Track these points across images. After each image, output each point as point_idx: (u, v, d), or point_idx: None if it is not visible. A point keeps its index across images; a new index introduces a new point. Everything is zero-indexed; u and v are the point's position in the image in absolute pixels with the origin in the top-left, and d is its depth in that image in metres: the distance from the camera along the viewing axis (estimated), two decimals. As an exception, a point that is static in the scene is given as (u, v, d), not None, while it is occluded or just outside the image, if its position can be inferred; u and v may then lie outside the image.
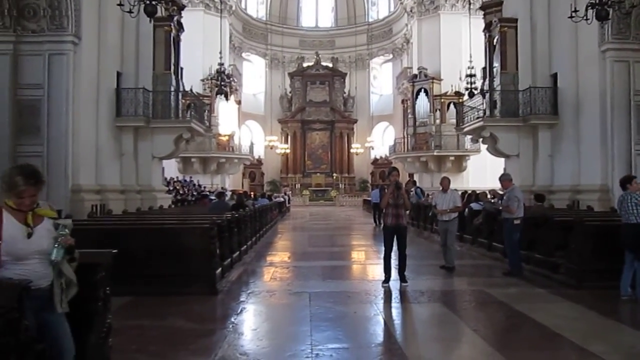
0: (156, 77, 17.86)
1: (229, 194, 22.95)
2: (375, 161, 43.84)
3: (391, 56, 44.60)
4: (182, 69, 19.63)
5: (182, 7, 19.52)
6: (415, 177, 33.90)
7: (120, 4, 12.53)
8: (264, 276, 9.37)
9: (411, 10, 36.30)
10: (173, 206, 20.13)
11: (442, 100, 32.79)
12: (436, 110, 33.01)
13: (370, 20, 45.77)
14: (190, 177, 29.07)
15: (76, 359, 3.26)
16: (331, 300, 6.97)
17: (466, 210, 12.96)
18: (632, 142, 14.17)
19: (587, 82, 15.12)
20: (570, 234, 8.04)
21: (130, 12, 11.95)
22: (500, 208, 9.62)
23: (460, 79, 28.02)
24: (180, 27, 19.08)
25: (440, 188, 9.98)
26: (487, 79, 19.45)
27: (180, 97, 19.06)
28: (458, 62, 29.71)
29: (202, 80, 32.45)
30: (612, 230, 7.47)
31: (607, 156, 14.36)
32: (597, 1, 11.79)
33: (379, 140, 44.65)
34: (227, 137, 32.64)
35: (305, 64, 44.57)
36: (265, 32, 44.86)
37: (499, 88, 18.34)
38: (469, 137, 24.79)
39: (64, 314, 3.19)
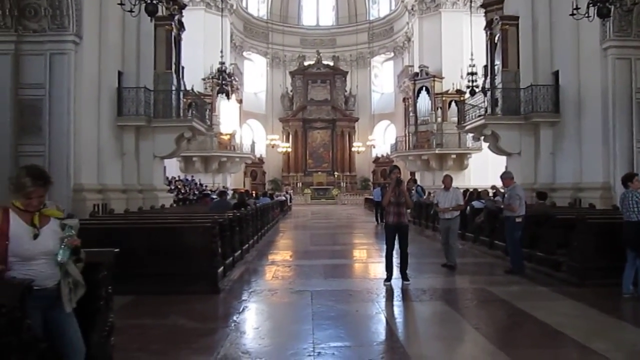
0: (157, 76, 17.88)
1: (230, 193, 22.95)
2: (376, 160, 43.82)
3: (392, 54, 44.56)
4: (183, 68, 19.64)
5: (183, 6, 19.53)
6: (417, 176, 33.95)
7: (121, 4, 12.53)
8: (266, 275, 9.38)
9: (412, 9, 36.26)
10: (175, 205, 20.14)
11: (444, 98, 32.78)
12: (437, 109, 33.00)
13: (372, 18, 45.72)
14: (192, 176, 29.07)
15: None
16: (333, 299, 6.97)
17: (468, 208, 12.95)
18: (634, 139, 14.13)
19: (589, 79, 15.09)
20: (572, 232, 8.04)
21: (131, 11, 11.95)
22: (502, 207, 9.61)
23: (462, 77, 27.99)
24: (181, 26, 19.08)
25: (443, 186, 9.96)
26: (489, 77, 19.42)
27: (181, 96, 19.08)
28: (459, 60, 29.67)
29: (204, 79, 32.48)
30: (614, 228, 7.46)
31: (608, 154, 14.32)
32: (598, -2, 11.76)
33: (380, 139, 44.60)
34: (228, 136, 32.62)
35: (306, 63, 44.54)
36: (266, 30, 44.84)
37: (500, 86, 18.32)
38: (470, 135, 24.77)
39: (73, 314, 3.19)
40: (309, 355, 4.72)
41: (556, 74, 16.90)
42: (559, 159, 16.72)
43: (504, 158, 19.79)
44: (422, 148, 33.45)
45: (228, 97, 29.79)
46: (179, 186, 24.93)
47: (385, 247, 8.32)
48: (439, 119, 32.84)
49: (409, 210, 8.95)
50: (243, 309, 6.59)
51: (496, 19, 18.65)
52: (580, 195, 15.05)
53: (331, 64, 44.72)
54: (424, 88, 33.67)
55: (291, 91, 44.49)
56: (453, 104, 31.27)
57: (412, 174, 34.39)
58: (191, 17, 25.14)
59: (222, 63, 26.63)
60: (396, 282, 7.98)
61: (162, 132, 17.85)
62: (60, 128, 14.01)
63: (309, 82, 43.71)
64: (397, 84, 41.46)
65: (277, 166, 44.05)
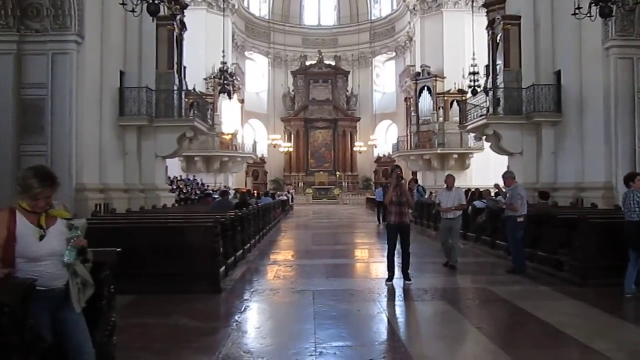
0: (159, 76, 17.90)
1: (232, 192, 22.98)
2: (378, 159, 43.81)
3: (394, 54, 44.54)
4: (185, 68, 19.66)
5: (185, 6, 19.56)
6: (419, 176, 33.95)
7: (123, 4, 12.53)
8: (268, 275, 9.38)
9: (414, 8, 36.25)
10: (177, 205, 20.15)
11: (446, 98, 32.78)
12: (439, 109, 32.98)
13: (373, 18, 45.71)
14: (194, 176, 29.13)
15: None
16: (335, 299, 6.97)
17: (470, 208, 12.95)
18: (636, 139, 14.10)
19: (591, 79, 15.07)
20: (574, 232, 8.03)
21: (133, 11, 11.96)
22: (504, 207, 9.60)
23: (464, 76, 28.01)
24: (183, 26, 19.10)
25: (445, 186, 9.95)
26: (491, 77, 19.41)
27: (183, 96, 19.10)
28: (461, 60, 29.67)
29: (205, 79, 32.51)
30: (617, 227, 7.45)
31: (611, 154, 14.30)
32: (600, -2, 11.74)
33: (382, 139, 44.60)
34: (230, 136, 32.67)
35: (308, 63, 44.55)
36: (268, 30, 44.85)
37: (502, 86, 18.31)
38: (472, 135, 24.74)
39: (82, 315, 3.18)
40: (311, 355, 4.72)
41: (558, 74, 16.88)
42: (561, 158, 16.71)
43: (506, 158, 19.77)
44: (424, 148, 33.45)
45: (230, 97, 29.82)
46: (181, 186, 24.98)
47: (387, 247, 8.32)
48: (441, 119, 32.82)
49: (410, 211, 8.94)
50: (245, 309, 6.59)
51: (498, 18, 18.64)
52: (583, 195, 15.04)
53: (333, 63, 44.73)
54: (426, 88, 33.66)
55: (293, 91, 44.49)
56: (455, 103, 31.23)
57: (414, 174, 34.38)
58: (193, 17, 25.17)
59: (224, 63, 26.68)
60: (398, 282, 7.98)
61: (164, 132, 17.87)
62: (63, 128, 14.03)
63: (310, 82, 43.72)
64: (399, 83, 41.45)
65: (279, 166, 44.07)
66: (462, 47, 30.19)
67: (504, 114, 18.02)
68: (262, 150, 42.14)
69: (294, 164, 43.66)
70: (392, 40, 43.73)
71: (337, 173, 43.42)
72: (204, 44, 31.61)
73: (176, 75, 18.39)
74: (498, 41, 18.71)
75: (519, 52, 17.98)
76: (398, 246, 8.18)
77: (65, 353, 3.17)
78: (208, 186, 28.53)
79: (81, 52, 14.36)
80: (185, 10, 19.46)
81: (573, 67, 15.82)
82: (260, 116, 44.30)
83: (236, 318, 6.13)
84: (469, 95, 25.50)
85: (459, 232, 10.13)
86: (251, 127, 42.59)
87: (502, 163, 20.83)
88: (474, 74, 24.68)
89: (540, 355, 4.81)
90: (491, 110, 18.72)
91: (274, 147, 41.91)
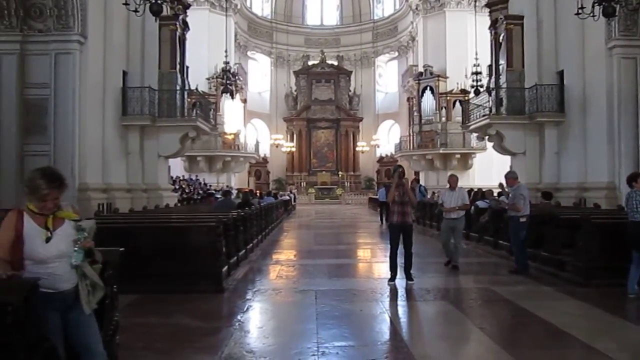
0: (162, 75, 17.92)
1: (234, 192, 23.00)
2: (380, 159, 43.79)
3: (397, 54, 44.49)
4: (187, 67, 19.67)
5: (187, 6, 19.57)
6: (421, 175, 33.91)
7: (126, 3, 12.53)
8: (270, 274, 9.38)
9: (416, 8, 36.21)
10: (179, 205, 20.17)
11: (448, 98, 32.73)
12: (442, 108, 32.94)
13: (376, 18, 45.67)
14: (196, 176, 29.16)
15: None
16: (337, 298, 6.97)
17: (472, 208, 12.93)
18: (639, 139, 14.08)
19: (594, 79, 15.05)
20: (577, 232, 8.01)
21: (135, 11, 11.97)
22: (506, 207, 9.59)
23: (466, 76, 27.98)
24: (185, 26, 19.12)
25: (448, 186, 9.94)
26: (493, 77, 19.39)
27: (185, 95, 19.12)
28: (464, 60, 29.63)
29: (208, 78, 32.51)
30: (619, 228, 7.43)
31: (614, 153, 14.28)
32: (603, -3, 11.72)
33: (384, 138, 44.58)
34: (232, 136, 32.68)
35: (310, 62, 44.51)
36: (270, 30, 44.86)
37: (505, 85, 18.29)
38: (475, 134, 24.71)
39: (93, 316, 3.16)
40: (313, 355, 4.72)
41: (561, 74, 16.85)
42: (564, 158, 16.68)
43: (508, 158, 19.76)
44: (427, 148, 33.40)
45: (232, 96, 29.84)
46: (184, 185, 25.01)
47: (389, 246, 8.32)
48: (443, 119, 32.78)
49: (412, 210, 8.93)
50: (247, 308, 6.60)
51: (501, 18, 18.62)
52: (585, 195, 15.01)
53: (335, 63, 44.69)
54: (428, 87, 33.61)
55: (295, 91, 44.49)
56: (457, 103, 31.18)
57: (417, 173, 34.35)
58: (195, 16, 25.16)
59: (226, 63, 26.71)
60: (400, 281, 7.97)
61: (166, 132, 17.90)
62: (65, 127, 14.07)
63: (313, 82, 43.71)
64: (401, 83, 41.42)
65: (281, 166, 44.08)
66: (465, 47, 30.15)
67: (507, 114, 18.00)
68: (265, 150, 42.15)
69: (296, 164, 43.66)
70: (395, 39, 43.69)
71: (340, 173, 43.42)
72: (207, 44, 31.62)
73: (179, 75, 18.41)
74: (500, 41, 18.68)
75: (521, 51, 17.96)
76: (400, 246, 8.18)
77: (77, 354, 3.16)
78: (210, 186, 28.56)
79: (84, 52, 14.40)
80: (187, 10, 19.47)
81: (576, 66, 15.80)
82: (263, 116, 44.31)
83: (238, 317, 6.14)
84: (472, 95, 25.49)
85: (462, 232, 10.12)
86: (253, 127, 42.62)
87: (504, 163, 20.79)
88: (477, 73, 24.63)
89: (543, 356, 4.81)
90: (494, 110, 18.69)
91: (276, 146, 41.93)
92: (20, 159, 13.82)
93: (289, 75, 44.91)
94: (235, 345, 5.02)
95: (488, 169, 28.81)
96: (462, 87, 31.18)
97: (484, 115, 19.14)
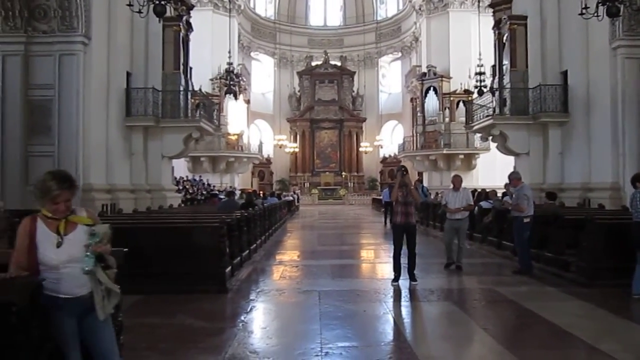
0: (165, 76, 17.96)
1: (238, 193, 23.00)
2: (384, 160, 43.75)
3: (400, 54, 44.47)
4: (191, 68, 19.71)
5: (191, 7, 19.60)
6: (425, 176, 33.87)
7: (129, 4, 12.60)
8: (274, 275, 9.39)
9: (420, 8, 36.17)
10: (183, 205, 20.21)
11: (452, 98, 32.68)
12: (445, 109, 32.89)
13: (379, 18, 45.65)
14: (200, 176, 29.16)
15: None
16: (341, 299, 6.97)
17: (476, 208, 12.91)
18: (644, 139, 14.05)
19: (598, 79, 15.00)
20: (581, 232, 8.00)
21: (139, 12, 12.01)
22: (510, 208, 9.57)
23: (470, 77, 27.88)
24: (189, 27, 19.15)
25: (451, 186, 9.91)
26: (497, 77, 19.35)
27: (189, 96, 19.14)
28: (467, 60, 29.56)
29: (211, 79, 32.55)
30: (624, 228, 7.41)
31: (618, 154, 14.23)
32: (607, -3, 11.69)
33: (388, 139, 44.54)
34: (236, 137, 32.69)
35: (313, 63, 44.52)
36: (273, 31, 44.88)
37: (508, 86, 18.26)
38: (478, 135, 24.68)
39: (109, 321, 3.13)
40: (317, 355, 4.72)
41: (565, 74, 16.82)
42: (568, 159, 16.64)
43: (512, 158, 19.72)
44: (430, 148, 33.37)
45: (236, 97, 29.86)
46: (187, 186, 25.01)
47: (392, 247, 8.32)
48: (447, 119, 32.73)
49: (415, 211, 8.92)
50: (251, 309, 6.60)
51: (504, 18, 18.59)
52: (589, 196, 14.97)
53: (339, 64, 44.66)
54: (431, 88, 33.57)
55: (299, 91, 44.50)
56: (461, 104, 31.18)
57: (420, 174, 34.30)
58: (199, 17, 25.21)
59: (229, 63, 26.68)
60: (404, 282, 7.97)
61: (170, 133, 17.93)
62: (70, 128, 14.12)
63: (316, 83, 43.71)
64: (405, 84, 41.38)
65: (284, 166, 44.09)
66: (468, 47, 30.08)
67: (510, 114, 17.97)
68: (268, 151, 42.17)
69: (300, 164, 43.67)
70: (398, 40, 43.66)
71: (343, 173, 43.38)
72: (210, 45, 31.64)
73: (182, 76, 18.44)
74: (504, 41, 18.65)
75: (525, 52, 17.92)
76: (404, 246, 8.17)
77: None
78: (214, 186, 28.57)
79: (88, 53, 14.45)
80: (191, 11, 19.50)
81: (580, 67, 15.77)
82: (266, 116, 44.34)
83: (242, 318, 6.14)
84: (475, 95, 25.43)
85: (466, 232, 10.10)
86: (257, 128, 42.64)
87: (508, 163, 20.76)
88: (480, 74, 24.58)
89: (547, 356, 4.80)
90: (497, 111, 18.67)
91: (280, 147, 41.93)
92: (25, 159, 13.88)
93: (293, 76, 44.92)
94: (239, 345, 5.03)
95: (491, 170, 28.77)
96: (466, 88, 31.12)
97: (487, 116, 19.11)
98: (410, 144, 35.68)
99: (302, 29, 46.42)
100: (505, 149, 18.77)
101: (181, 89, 18.27)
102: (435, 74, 33.27)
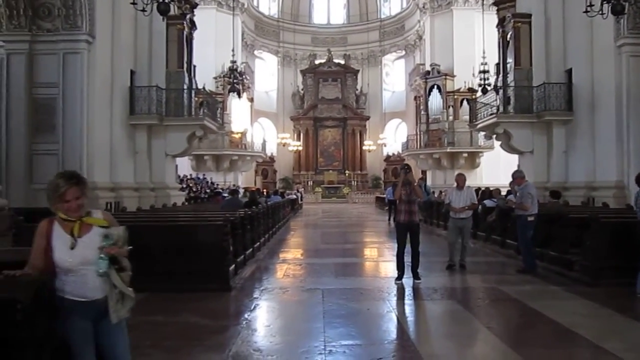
0: (169, 75, 18.00)
1: (241, 191, 23.04)
2: (387, 158, 43.72)
3: (403, 53, 44.40)
4: (194, 66, 19.74)
5: (194, 5, 19.63)
6: (428, 174, 33.85)
7: (133, 3, 12.60)
8: (277, 273, 9.40)
9: (424, 7, 36.14)
10: (186, 203, 20.24)
11: (455, 96, 32.64)
12: (449, 107, 32.86)
13: (383, 16, 45.58)
14: (203, 175, 29.24)
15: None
16: (344, 297, 6.97)
17: (480, 207, 12.88)
18: (648, 137, 14.00)
19: (603, 77, 14.95)
20: (585, 231, 7.97)
21: (143, 10, 12.02)
22: (514, 206, 9.55)
23: (474, 75, 27.82)
24: (192, 25, 19.17)
25: (455, 185, 9.89)
26: (501, 75, 19.32)
27: (193, 95, 19.18)
28: (471, 59, 29.51)
29: (215, 78, 32.59)
30: (628, 227, 7.39)
31: (622, 152, 14.19)
32: (612, -5, 11.64)
33: (391, 137, 44.51)
34: (239, 135, 32.77)
35: (317, 61, 44.52)
36: (277, 29, 44.88)
37: (512, 84, 18.23)
38: (482, 133, 24.62)
39: (123, 327, 3.09)
40: (320, 354, 4.73)
41: (569, 72, 16.77)
42: (572, 157, 16.60)
43: (516, 157, 19.69)
44: (434, 146, 33.34)
45: (239, 95, 29.88)
46: (191, 184, 25.09)
47: (396, 245, 8.31)
48: (451, 118, 32.70)
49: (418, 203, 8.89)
50: (254, 307, 6.61)
51: (508, 16, 18.54)
52: (594, 194, 14.94)
53: (342, 62, 44.65)
54: (435, 86, 33.53)
55: (302, 89, 44.50)
56: (465, 102, 31.12)
57: (424, 172, 34.28)
58: (203, 16, 25.24)
59: (233, 62, 26.73)
60: (407, 280, 7.97)
61: (174, 131, 17.97)
62: (74, 127, 14.16)
63: (320, 81, 43.70)
64: (409, 82, 41.32)
65: (288, 164, 44.13)
66: (472, 45, 30.05)
67: (514, 113, 17.94)
68: (271, 149, 42.20)
69: (303, 163, 43.68)
70: (402, 38, 43.60)
71: (346, 172, 43.38)
72: (214, 43, 31.68)
73: (186, 74, 18.47)
74: (508, 39, 18.61)
75: (529, 50, 17.88)
76: (407, 245, 8.17)
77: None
78: (217, 185, 28.63)
79: (92, 51, 14.48)
80: (194, 9, 19.56)
81: (584, 65, 15.72)
82: (270, 115, 44.37)
83: (246, 316, 6.15)
84: (479, 93, 25.37)
85: (470, 231, 10.09)
86: (260, 126, 42.67)
87: (512, 162, 20.71)
88: (484, 72, 24.50)
89: (550, 355, 4.79)
90: (501, 109, 18.63)
91: (283, 145, 41.97)
92: (29, 157, 13.93)
93: (296, 74, 44.93)
94: (242, 343, 5.04)
95: (495, 168, 28.73)
96: (470, 86, 31.07)
97: (491, 114, 19.08)
98: (414, 143, 35.64)
99: (305, 27, 46.40)
100: (509, 148, 18.74)
101: (185, 87, 18.31)
102: (439, 72, 33.23)
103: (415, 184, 8.69)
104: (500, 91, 19.08)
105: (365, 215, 26.33)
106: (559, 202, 12.58)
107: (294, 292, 7.58)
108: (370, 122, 44.39)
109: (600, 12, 11.85)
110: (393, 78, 47.05)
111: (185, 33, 18.43)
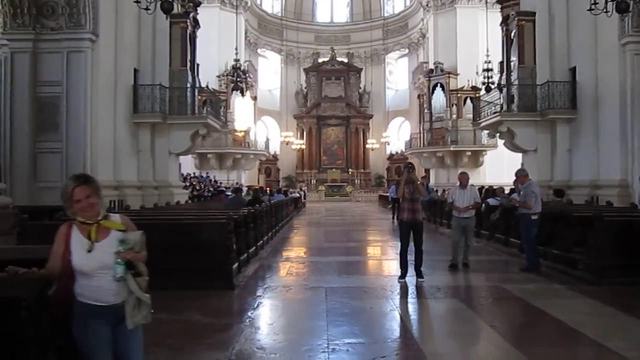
0: (173, 73, 18.00)
1: (245, 189, 23.05)
2: (391, 156, 43.70)
3: (407, 51, 44.35)
4: (198, 65, 19.74)
5: (198, 4, 19.61)
6: (432, 173, 33.77)
7: (137, 1, 12.58)
8: (280, 271, 9.41)
9: (427, 5, 36.04)
10: (190, 202, 20.27)
11: (459, 95, 32.53)
12: (453, 105, 32.75)
13: (386, 14, 45.52)
14: (207, 173, 29.24)
15: None
16: (347, 296, 6.98)
17: (483, 205, 12.87)
18: (653, 136, 13.94)
19: (607, 75, 14.90)
20: (589, 230, 7.96)
21: (146, 9, 12.01)
22: (517, 205, 9.53)
23: (477, 73, 27.72)
24: (196, 24, 19.17)
25: (458, 183, 9.87)
26: (505, 73, 19.25)
27: (196, 93, 19.19)
28: (475, 57, 29.42)
29: (218, 76, 32.59)
30: (632, 225, 7.38)
31: (626, 151, 14.14)
32: (617, -7, 11.59)
33: (394, 136, 44.47)
34: (243, 133, 32.76)
35: (320, 60, 44.54)
36: (280, 27, 44.87)
37: (516, 82, 18.16)
38: (485, 132, 24.59)
39: (139, 333, 3.07)
40: (323, 352, 4.73)
41: (573, 70, 16.72)
42: (576, 155, 16.55)
43: (519, 155, 19.63)
44: (437, 145, 33.26)
45: (242, 94, 29.86)
46: (194, 183, 25.10)
47: (399, 244, 8.31)
48: (454, 116, 32.59)
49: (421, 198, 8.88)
50: (257, 305, 6.62)
51: (512, 14, 18.49)
52: (598, 193, 14.89)
53: (345, 60, 44.65)
54: (438, 85, 33.43)
55: (305, 88, 44.51)
56: (468, 100, 31.03)
57: (427, 171, 34.22)
58: (206, 14, 25.22)
59: (236, 60, 26.67)
60: (410, 279, 7.97)
61: (177, 129, 17.99)
62: (77, 125, 14.19)
63: (323, 79, 43.69)
64: (412, 80, 41.28)
65: (291, 163, 44.14)
66: (476, 44, 29.94)
67: (518, 111, 17.88)
68: (275, 147, 42.22)
69: (306, 161, 43.69)
70: (405, 36, 43.53)
71: (350, 170, 43.37)
72: (217, 41, 31.67)
73: (189, 73, 18.47)
74: (512, 37, 18.55)
75: (533, 48, 17.82)
76: (411, 243, 8.16)
77: None
78: (221, 183, 28.63)
79: (95, 50, 14.50)
80: (198, 8, 19.52)
81: (588, 63, 15.66)
82: (273, 113, 44.38)
83: (249, 314, 6.16)
84: (483, 92, 25.29)
85: (473, 229, 10.08)
86: (263, 124, 42.69)
87: (515, 160, 20.65)
88: (488, 70, 24.42)
89: (554, 354, 4.79)
90: (505, 107, 18.57)
91: (286, 144, 41.99)
92: (33, 156, 13.96)
93: (299, 73, 44.93)
94: (245, 341, 5.05)
95: (499, 167, 28.67)
96: (473, 84, 30.96)
97: (495, 113, 19.03)
98: (417, 141, 35.57)
99: (308, 26, 46.38)
100: (512, 146, 18.70)
101: (188, 85, 18.31)
102: (442, 70, 33.14)
103: (419, 182, 8.68)
104: (504, 89, 19.02)
105: (368, 214, 26.33)
106: (563, 200, 12.53)
107: (297, 291, 7.59)
108: (373, 120, 44.36)
109: (605, 10, 11.81)
110: (396, 76, 46.99)
111: (188, 31, 18.43)
